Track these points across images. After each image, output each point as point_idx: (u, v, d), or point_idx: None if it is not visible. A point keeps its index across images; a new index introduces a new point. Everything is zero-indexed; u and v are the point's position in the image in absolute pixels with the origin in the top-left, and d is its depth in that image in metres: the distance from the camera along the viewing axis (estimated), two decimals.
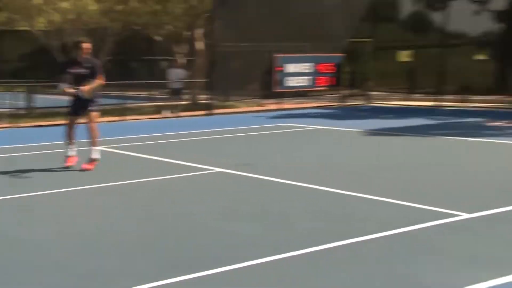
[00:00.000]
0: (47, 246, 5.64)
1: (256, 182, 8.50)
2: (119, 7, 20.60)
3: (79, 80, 9.23)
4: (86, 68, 9.27)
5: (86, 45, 9.34)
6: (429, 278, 4.63)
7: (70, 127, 9.46)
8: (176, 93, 19.34)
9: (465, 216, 6.32)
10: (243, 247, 5.46)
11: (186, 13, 21.91)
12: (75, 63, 9.33)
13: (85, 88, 9.14)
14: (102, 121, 17.12)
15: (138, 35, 24.68)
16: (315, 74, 20.82)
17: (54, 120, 16.86)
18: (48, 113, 18.62)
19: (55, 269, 5.03)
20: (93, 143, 9.43)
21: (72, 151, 9.48)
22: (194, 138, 13.60)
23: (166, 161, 10.36)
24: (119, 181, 8.65)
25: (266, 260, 5.07)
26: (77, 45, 9.36)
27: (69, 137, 9.44)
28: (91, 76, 9.24)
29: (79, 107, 9.30)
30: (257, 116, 18.90)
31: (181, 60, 19.80)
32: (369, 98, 22.61)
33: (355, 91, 23.03)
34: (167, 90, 19.91)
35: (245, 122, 17.12)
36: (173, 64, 19.79)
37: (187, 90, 22.93)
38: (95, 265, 5.07)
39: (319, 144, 12.34)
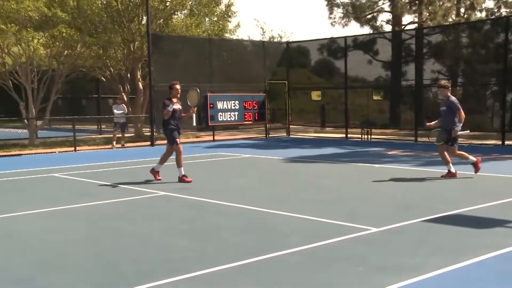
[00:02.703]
0: None
1: (194, 203, 8.38)
2: (66, 52, 20.31)
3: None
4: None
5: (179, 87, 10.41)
6: (348, 284, 4.65)
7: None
8: (121, 126, 18.96)
9: (374, 230, 6.42)
10: (187, 260, 5.34)
11: (127, 58, 21.86)
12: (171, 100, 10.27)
13: None
14: (53, 151, 17.09)
15: (86, 76, 24.36)
16: (243, 110, 20.99)
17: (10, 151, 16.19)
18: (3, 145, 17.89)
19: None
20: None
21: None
22: (140, 166, 13.43)
23: (118, 186, 10.15)
24: (77, 204, 8.35)
25: (206, 271, 4.97)
26: (171, 87, 10.37)
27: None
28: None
29: None
30: (194, 146, 18.84)
31: (124, 97, 19.72)
32: (289, 131, 22.97)
33: (277, 125, 23.37)
34: (113, 124, 19.54)
35: (184, 151, 16.98)
36: (116, 101, 19.53)
37: (130, 124, 22.65)
38: (57, 278, 4.82)
39: (247, 170, 12.36)
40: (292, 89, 23.22)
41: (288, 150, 17.13)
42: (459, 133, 10.22)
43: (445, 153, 10.30)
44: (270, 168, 12.71)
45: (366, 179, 10.55)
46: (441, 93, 10.36)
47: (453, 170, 10.34)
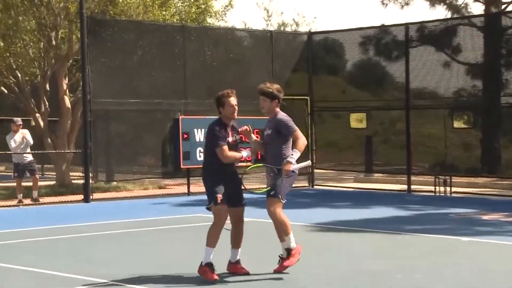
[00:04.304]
0: None
1: None
2: None
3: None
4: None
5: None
6: None
7: None
8: (26, 169, 18.61)
9: None
10: None
11: (45, 55, 21.91)
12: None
13: None
14: None
15: None
16: (237, 144, 20.81)
17: None
18: None
19: None
20: None
21: None
22: (64, 236, 13.27)
23: (27, 271, 9.96)
24: None
25: None
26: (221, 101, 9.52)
27: None
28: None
29: None
30: (155, 203, 18.64)
31: (20, 121, 19.26)
32: (313, 178, 22.94)
33: None
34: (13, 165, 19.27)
35: (138, 212, 16.85)
36: (14, 127, 18.96)
37: (47, 165, 22.51)
38: None
39: (247, 243, 12.11)
40: (317, 110, 23.26)
41: (312, 210, 17.00)
42: (294, 167, 9.26)
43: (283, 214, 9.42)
44: None
45: (449, 263, 10.37)
46: (263, 106, 9.60)
47: (293, 245, 9.45)
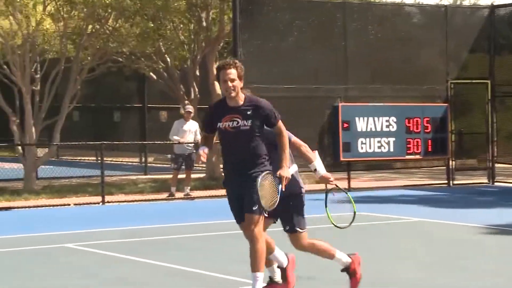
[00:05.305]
0: None
1: None
2: (91, 27, 20.86)
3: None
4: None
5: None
6: None
7: None
8: (185, 161, 18.99)
9: None
10: None
11: (195, 38, 22.31)
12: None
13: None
14: (66, 203, 17.45)
15: (121, 70, 24.99)
16: (404, 134, 20.74)
17: None
18: None
19: None
20: None
21: None
22: (214, 233, 13.62)
23: (186, 271, 10.22)
24: None
25: None
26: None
27: None
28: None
29: None
30: (313, 199, 18.61)
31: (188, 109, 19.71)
32: (493, 174, 22.51)
33: (469, 162, 22.86)
34: (172, 157, 19.71)
35: None
36: (185, 114, 19.44)
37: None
38: None
39: (419, 247, 12.06)
40: (499, 95, 22.78)
41: (492, 210, 16.77)
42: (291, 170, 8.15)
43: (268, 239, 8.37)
44: (463, 246, 12.43)
45: None
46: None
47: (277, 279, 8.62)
